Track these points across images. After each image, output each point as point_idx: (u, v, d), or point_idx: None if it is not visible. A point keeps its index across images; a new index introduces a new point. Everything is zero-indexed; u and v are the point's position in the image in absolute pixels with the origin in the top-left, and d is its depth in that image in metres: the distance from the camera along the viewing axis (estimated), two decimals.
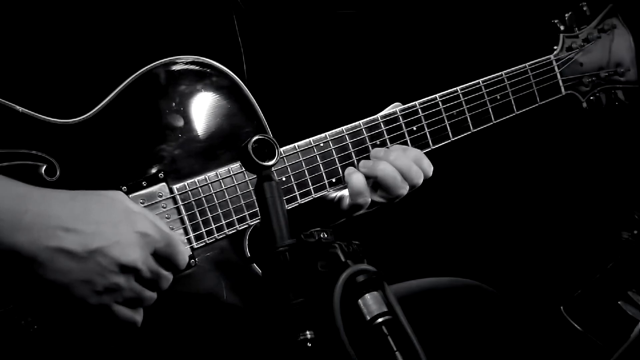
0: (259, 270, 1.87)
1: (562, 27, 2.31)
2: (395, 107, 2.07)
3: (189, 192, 1.83)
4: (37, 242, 1.48)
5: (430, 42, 3.21)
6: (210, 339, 1.79)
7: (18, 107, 1.68)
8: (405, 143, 2.05)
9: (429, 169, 2.01)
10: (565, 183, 3.34)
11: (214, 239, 1.84)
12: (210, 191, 1.85)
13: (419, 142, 2.06)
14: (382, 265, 1.44)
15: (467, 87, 2.13)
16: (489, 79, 2.15)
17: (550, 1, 2.44)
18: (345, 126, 2.01)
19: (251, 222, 1.88)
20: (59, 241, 1.50)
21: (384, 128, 2.04)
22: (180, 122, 1.83)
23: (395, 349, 1.35)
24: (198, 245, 1.83)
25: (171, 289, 1.67)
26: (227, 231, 1.86)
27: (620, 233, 2.34)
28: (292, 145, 1.94)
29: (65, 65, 1.82)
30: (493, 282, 2.16)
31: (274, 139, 1.48)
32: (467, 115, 2.12)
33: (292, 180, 1.93)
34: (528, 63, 2.22)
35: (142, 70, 1.79)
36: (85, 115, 1.75)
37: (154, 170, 1.80)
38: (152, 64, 1.80)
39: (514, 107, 2.18)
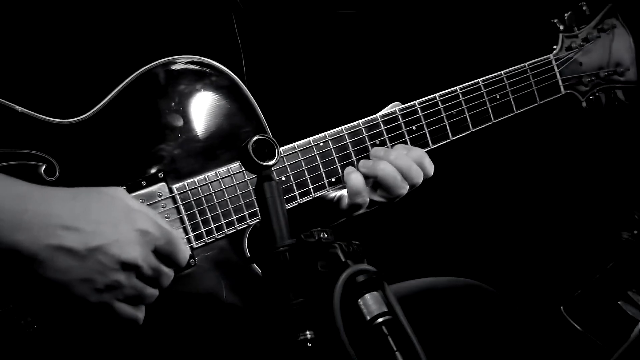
0: (258, 270, 1.87)
1: (561, 27, 2.31)
2: (394, 107, 2.07)
3: (189, 192, 1.82)
4: (37, 240, 1.48)
5: (430, 42, 3.21)
6: (210, 339, 1.79)
7: (17, 107, 1.68)
8: (404, 143, 2.05)
9: (430, 168, 2.01)
10: (565, 183, 3.34)
11: (213, 239, 1.84)
12: (210, 191, 1.85)
13: (418, 142, 2.06)
14: (382, 265, 1.44)
15: (466, 87, 2.13)
16: (489, 79, 2.15)
17: (549, 1, 2.44)
18: (345, 126, 2.01)
19: (251, 221, 1.88)
20: (59, 239, 1.49)
21: (383, 128, 2.04)
22: (180, 122, 1.83)
23: (395, 349, 1.35)
24: (197, 245, 1.82)
25: (171, 289, 1.67)
26: (227, 231, 1.86)
27: (620, 233, 2.34)
28: (291, 145, 1.94)
29: (65, 65, 1.82)
30: (493, 282, 2.16)
31: (273, 139, 1.48)
32: (467, 114, 2.12)
33: (292, 179, 1.93)
34: (527, 62, 2.22)
35: (141, 70, 1.79)
36: (85, 115, 1.75)
37: (153, 170, 1.80)
38: (151, 64, 1.80)
39: (514, 106, 2.18)
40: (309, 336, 1.38)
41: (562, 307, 2.31)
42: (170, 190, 1.81)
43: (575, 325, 2.29)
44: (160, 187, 1.80)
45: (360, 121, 2.02)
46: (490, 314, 2.04)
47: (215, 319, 1.81)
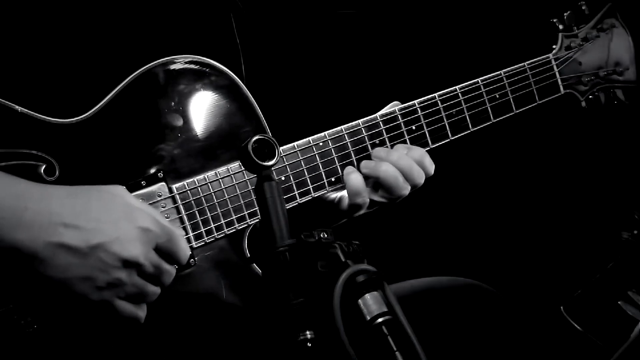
0: (258, 270, 1.87)
1: (561, 26, 2.31)
2: (394, 106, 2.07)
3: (188, 192, 1.82)
4: (37, 238, 1.48)
5: (430, 42, 3.21)
6: (210, 339, 1.79)
7: (17, 106, 1.68)
8: (404, 142, 2.05)
9: (431, 167, 2.01)
10: (565, 183, 3.34)
11: (213, 239, 1.84)
12: (210, 191, 1.84)
13: (418, 142, 2.06)
14: (382, 265, 1.43)
15: (466, 86, 2.13)
16: (488, 78, 2.15)
17: (549, 1, 2.44)
18: (345, 125, 2.01)
19: (250, 221, 1.88)
20: (59, 237, 1.49)
21: (383, 127, 2.04)
22: (180, 122, 1.83)
23: (395, 349, 1.35)
24: (197, 245, 1.82)
25: (171, 289, 1.66)
26: (227, 231, 1.86)
27: (620, 233, 2.34)
28: (291, 145, 1.94)
29: (65, 65, 1.82)
30: (493, 282, 2.16)
31: (273, 139, 1.48)
32: (466, 114, 2.12)
33: (291, 179, 1.93)
34: (527, 62, 2.22)
35: (141, 69, 1.79)
36: (85, 115, 1.75)
37: (153, 170, 1.79)
38: (151, 64, 1.80)
39: (513, 106, 2.18)
40: (309, 336, 1.38)
41: (562, 307, 2.31)
42: (170, 190, 1.81)
43: (575, 325, 2.29)
44: (160, 186, 1.80)
45: (360, 121, 2.02)
46: (490, 314, 2.04)
47: (215, 319, 1.81)
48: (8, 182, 1.54)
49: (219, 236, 1.85)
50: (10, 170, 1.63)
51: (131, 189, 1.76)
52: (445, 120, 2.10)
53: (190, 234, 1.82)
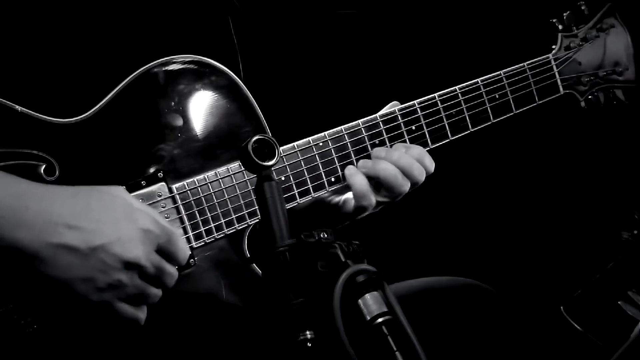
0: (258, 270, 1.87)
1: (560, 27, 2.31)
2: (393, 106, 2.07)
3: (188, 192, 1.82)
4: (39, 238, 1.47)
5: (430, 42, 3.21)
6: (210, 339, 1.79)
7: (17, 106, 1.68)
8: (404, 142, 2.05)
9: (431, 165, 2.01)
10: (564, 183, 3.34)
11: (213, 239, 1.84)
12: (210, 191, 1.84)
13: (417, 142, 2.07)
14: (382, 265, 1.43)
15: (465, 87, 2.13)
16: (488, 79, 2.15)
17: (548, 1, 2.45)
18: (344, 125, 2.01)
19: (250, 221, 1.88)
20: (61, 237, 1.49)
21: (382, 127, 2.04)
22: (180, 122, 1.83)
23: (395, 349, 1.35)
24: (197, 245, 1.82)
25: (171, 288, 1.66)
26: (226, 231, 1.85)
27: (620, 233, 2.34)
28: (291, 145, 1.94)
29: (64, 65, 1.82)
30: (493, 282, 2.16)
31: (273, 139, 1.48)
32: (466, 114, 2.12)
33: (291, 179, 1.93)
34: (526, 62, 2.22)
35: (141, 69, 1.79)
36: (84, 115, 1.75)
37: (153, 170, 1.79)
38: (151, 63, 1.80)
39: (513, 106, 2.18)
40: (309, 336, 1.38)
41: (562, 307, 2.31)
42: (170, 190, 1.81)
43: (575, 325, 2.29)
44: (160, 187, 1.80)
45: (360, 121, 2.02)
46: (490, 314, 2.04)
47: (215, 319, 1.81)
48: (9, 181, 1.53)
49: (219, 236, 1.85)
50: (10, 170, 1.62)
51: (131, 189, 1.76)
52: (445, 120, 2.10)
53: (190, 234, 1.82)
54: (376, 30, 3.18)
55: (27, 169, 1.66)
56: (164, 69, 1.81)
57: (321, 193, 1.97)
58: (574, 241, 3.27)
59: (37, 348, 1.60)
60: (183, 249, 1.64)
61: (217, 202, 1.85)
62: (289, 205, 1.91)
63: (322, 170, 1.97)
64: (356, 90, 3.12)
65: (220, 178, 1.85)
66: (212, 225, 1.84)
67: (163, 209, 1.79)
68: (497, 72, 2.17)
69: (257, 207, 1.85)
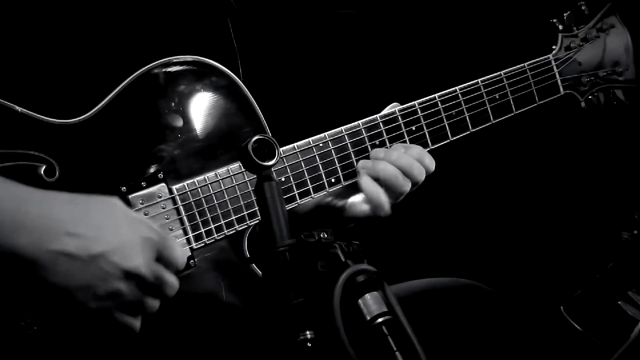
0: (258, 270, 1.87)
1: (560, 27, 2.31)
2: (393, 107, 2.07)
3: (189, 193, 1.82)
4: (38, 244, 1.46)
5: (430, 42, 3.21)
6: (210, 339, 1.79)
7: (17, 107, 1.68)
8: (404, 143, 2.05)
9: (431, 165, 2.01)
10: (564, 183, 3.34)
11: (213, 240, 1.84)
12: (210, 192, 1.85)
13: (418, 142, 2.07)
14: (382, 265, 1.43)
15: (466, 87, 2.13)
16: (488, 79, 2.16)
17: (548, 1, 2.45)
18: (345, 126, 2.01)
19: (250, 222, 1.88)
20: (61, 245, 1.48)
21: (383, 128, 2.04)
22: (180, 122, 1.83)
23: (395, 349, 1.35)
24: (197, 246, 1.82)
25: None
26: (226, 232, 1.86)
27: (620, 233, 2.34)
28: (291, 146, 1.94)
29: (65, 66, 1.82)
30: (493, 282, 2.16)
31: (273, 139, 1.48)
32: (466, 115, 2.12)
33: (292, 180, 1.93)
34: (527, 63, 2.22)
35: (141, 70, 1.79)
36: (85, 116, 1.75)
37: (153, 171, 1.79)
38: (151, 64, 1.80)
39: (513, 107, 2.18)
40: (309, 336, 1.38)
41: (562, 307, 2.31)
42: (170, 191, 1.81)
43: (575, 325, 2.29)
44: (160, 187, 1.80)
45: (360, 122, 2.03)
46: (490, 314, 2.04)
47: (215, 320, 1.81)
48: (8, 186, 1.53)
49: (219, 237, 1.85)
50: (11, 170, 1.63)
51: (131, 190, 1.76)
52: (445, 121, 2.10)
53: (190, 235, 1.82)
54: (376, 30, 3.18)
55: (27, 170, 1.66)
56: (164, 69, 1.81)
57: (321, 194, 1.97)
58: (574, 241, 3.27)
59: (37, 349, 1.60)
60: (181, 254, 1.62)
61: (218, 203, 1.85)
62: (289, 206, 1.91)
63: (322, 171, 1.97)
64: (356, 90, 3.12)
65: (221, 179, 1.86)
66: (212, 226, 1.84)
67: (163, 210, 1.80)
68: (498, 73, 2.17)
69: (257, 208, 1.85)
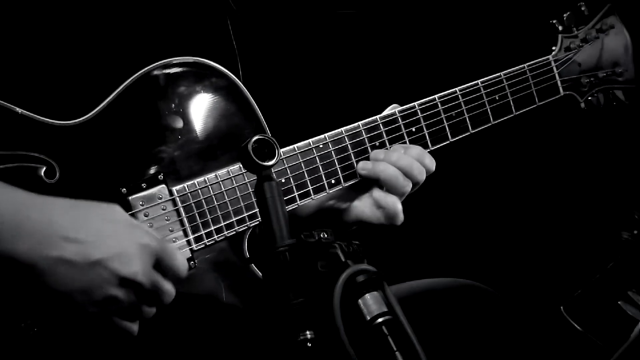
0: (258, 271, 1.87)
1: (560, 27, 2.31)
2: (393, 109, 2.08)
3: (189, 194, 1.82)
4: (37, 250, 1.47)
5: (430, 43, 3.21)
6: (210, 340, 1.79)
7: (17, 108, 1.68)
8: (404, 144, 2.05)
9: (431, 165, 2.01)
10: (564, 183, 3.34)
11: (213, 241, 1.84)
12: (210, 193, 1.85)
13: (417, 144, 2.07)
14: (382, 265, 1.44)
15: (465, 88, 2.13)
16: (488, 80, 2.16)
17: (548, 1, 2.45)
18: (345, 127, 2.01)
19: (250, 223, 1.88)
20: (59, 251, 1.48)
21: (383, 129, 2.04)
22: (180, 124, 1.83)
23: (395, 349, 1.35)
24: (197, 247, 1.82)
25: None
26: (227, 233, 1.86)
27: (620, 233, 2.34)
28: (291, 147, 1.94)
29: (65, 67, 1.82)
30: (493, 282, 2.16)
31: (273, 139, 1.48)
32: (466, 116, 2.12)
33: (292, 181, 1.93)
34: (527, 64, 2.22)
35: (141, 71, 1.79)
36: (85, 117, 1.75)
37: (153, 172, 1.79)
38: (151, 65, 1.80)
39: (513, 107, 2.19)
40: (309, 336, 1.38)
41: (562, 307, 2.31)
42: (171, 193, 1.81)
43: (575, 325, 2.29)
44: (161, 189, 1.80)
45: (360, 123, 2.03)
46: (490, 315, 2.04)
47: (215, 320, 1.81)
48: (8, 191, 1.53)
49: (219, 239, 1.85)
50: (11, 172, 1.63)
51: (131, 191, 1.76)
52: (445, 122, 2.10)
53: (191, 236, 1.82)
54: (376, 30, 3.18)
55: (27, 171, 1.66)
56: (164, 71, 1.81)
57: (322, 195, 1.97)
58: (574, 241, 3.27)
59: (38, 350, 1.60)
60: (182, 262, 1.62)
61: (218, 205, 1.85)
62: (289, 207, 1.91)
63: (322, 172, 1.97)
64: (356, 91, 3.12)
65: (221, 180, 1.86)
66: (213, 227, 1.84)
67: (163, 212, 1.80)
68: (497, 74, 2.18)
69: (257, 210, 1.85)
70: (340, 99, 3.10)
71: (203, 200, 1.83)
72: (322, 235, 1.44)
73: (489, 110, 2.15)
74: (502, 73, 2.18)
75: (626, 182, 3.15)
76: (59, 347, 1.62)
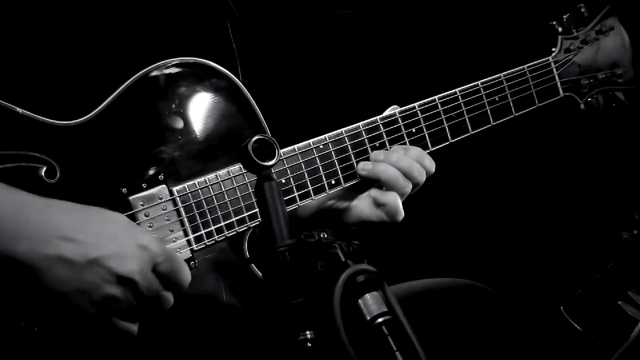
0: (258, 271, 1.87)
1: (560, 29, 2.32)
2: (393, 110, 2.08)
3: (189, 194, 1.83)
4: (36, 250, 1.47)
5: (430, 44, 3.21)
6: (210, 340, 1.79)
7: (18, 108, 1.68)
8: (404, 145, 2.05)
9: (431, 166, 2.02)
10: (565, 184, 3.34)
11: (213, 241, 1.84)
12: (210, 193, 1.85)
13: (418, 144, 2.07)
14: (382, 265, 1.44)
15: (465, 89, 2.13)
16: (488, 81, 2.16)
17: (548, 3, 2.45)
18: (345, 128, 2.01)
19: (250, 224, 1.88)
20: (57, 250, 1.49)
21: (383, 130, 2.04)
22: (180, 124, 1.83)
23: (395, 349, 1.35)
24: (198, 248, 1.83)
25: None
26: (227, 233, 1.86)
27: (620, 233, 2.34)
28: (291, 147, 1.95)
29: (65, 67, 1.83)
30: (493, 282, 2.16)
31: (273, 139, 1.48)
32: (466, 117, 2.13)
33: (292, 182, 1.94)
34: (526, 65, 2.23)
35: (141, 72, 1.80)
36: (86, 117, 1.76)
37: (153, 172, 1.80)
38: (152, 66, 1.80)
39: (513, 108, 2.19)
40: (309, 336, 1.38)
41: (562, 307, 2.31)
42: (171, 193, 1.81)
43: (575, 325, 2.29)
44: (161, 189, 1.80)
45: (360, 123, 2.03)
46: (490, 315, 2.04)
47: (215, 320, 1.81)
48: (9, 192, 1.54)
49: (220, 239, 1.85)
50: (12, 172, 1.63)
51: (132, 191, 1.76)
52: (445, 123, 2.10)
53: (191, 236, 1.82)
54: (376, 30, 3.19)
55: (28, 171, 1.66)
56: (164, 71, 1.82)
57: (322, 196, 1.97)
58: (574, 241, 3.28)
59: (38, 350, 1.60)
60: (185, 272, 1.63)
61: (218, 205, 1.85)
62: (289, 208, 1.91)
63: (322, 173, 1.97)
64: (356, 92, 3.12)
65: (221, 180, 1.86)
66: (213, 227, 1.84)
67: (164, 212, 1.80)
68: (497, 75, 2.18)
69: (257, 210, 1.85)
70: (340, 99, 3.11)
71: (203, 200, 1.84)
72: (322, 235, 1.44)
73: (488, 111, 2.15)
74: (502, 74, 2.18)
75: (626, 182, 3.15)
76: (59, 347, 1.62)
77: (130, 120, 1.78)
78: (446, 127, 2.10)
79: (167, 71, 1.82)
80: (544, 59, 2.26)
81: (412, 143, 2.06)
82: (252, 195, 1.87)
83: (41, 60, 1.81)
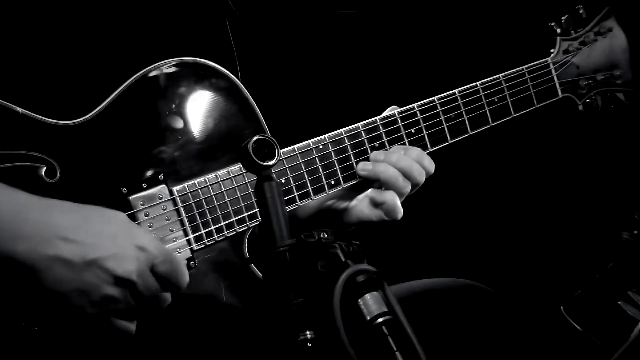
0: (258, 271, 1.87)
1: (558, 30, 2.32)
2: (392, 110, 2.08)
3: (189, 194, 1.83)
4: (35, 250, 1.48)
5: (429, 45, 3.22)
6: (210, 340, 1.79)
7: (18, 108, 1.68)
8: (403, 145, 2.05)
9: (430, 166, 2.02)
10: (564, 184, 3.35)
11: (213, 241, 1.84)
12: (210, 193, 1.85)
13: (417, 145, 2.07)
14: (382, 265, 1.44)
15: (465, 90, 2.14)
16: (487, 82, 2.16)
17: (547, 4, 2.45)
18: (344, 128, 2.01)
19: (250, 224, 1.88)
20: (57, 250, 1.49)
21: (382, 130, 2.04)
22: (180, 124, 1.83)
23: (395, 349, 1.35)
24: (198, 248, 1.83)
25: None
26: (227, 233, 1.86)
27: (620, 233, 2.34)
28: (291, 148, 1.95)
29: (65, 67, 1.83)
30: (493, 282, 2.16)
31: (273, 139, 1.48)
32: (465, 117, 2.13)
33: (292, 182, 1.94)
34: (525, 66, 2.23)
35: (142, 71, 1.80)
36: (86, 117, 1.76)
37: (153, 172, 1.80)
38: (152, 66, 1.80)
39: (511, 109, 2.19)
40: (309, 336, 1.38)
41: (562, 307, 2.31)
42: (171, 193, 1.81)
43: (575, 325, 2.29)
44: (161, 189, 1.80)
45: (360, 124, 2.03)
46: (490, 315, 2.04)
47: (215, 320, 1.81)
48: (9, 193, 1.54)
49: (220, 239, 1.85)
50: (12, 172, 1.63)
51: (132, 191, 1.76)
52: (444, 123, 2.10)
53: (191, 236, 1.82)
54: (376, 31, 3.19)
55: (28, 171, 1.66)
56: (164, 71, 1.82)
57: (321, 196, 1.98)
58: (574, 241, 3.28)
59: (38, 349, 1.60)
60: (183, 273, 1.63)
61: (218, 205, 1.85)
62: (289, 208, 1.91)
63: (322, 173, 1.97)
64: (356, 92, 3.13)
65: (221, 180, 1.86)
66: (213, 227, 1.84)
67: (164, 212, 1.80)
68: (496, 76, 2.18)
69: (257, 210, 1.85)
70: (340, 99, 3.11)
71: (203, 200, 1.84)
72: (322, 235, 1.44)
73: (487, 111, 2.16)
74: (500, 75, 2.19)
75: (626, 182, 3.15)
76: (59, 347, 1.62)
77: (130, 120, 1.78)
78: (445, 127, 2.10)
79: (166, 71, 1.82)
80: (542, 60, 2.27)
81: (411, 143, 2.06)
82: (252, 195, 1.87)
83: (41, 60, 1.81)
